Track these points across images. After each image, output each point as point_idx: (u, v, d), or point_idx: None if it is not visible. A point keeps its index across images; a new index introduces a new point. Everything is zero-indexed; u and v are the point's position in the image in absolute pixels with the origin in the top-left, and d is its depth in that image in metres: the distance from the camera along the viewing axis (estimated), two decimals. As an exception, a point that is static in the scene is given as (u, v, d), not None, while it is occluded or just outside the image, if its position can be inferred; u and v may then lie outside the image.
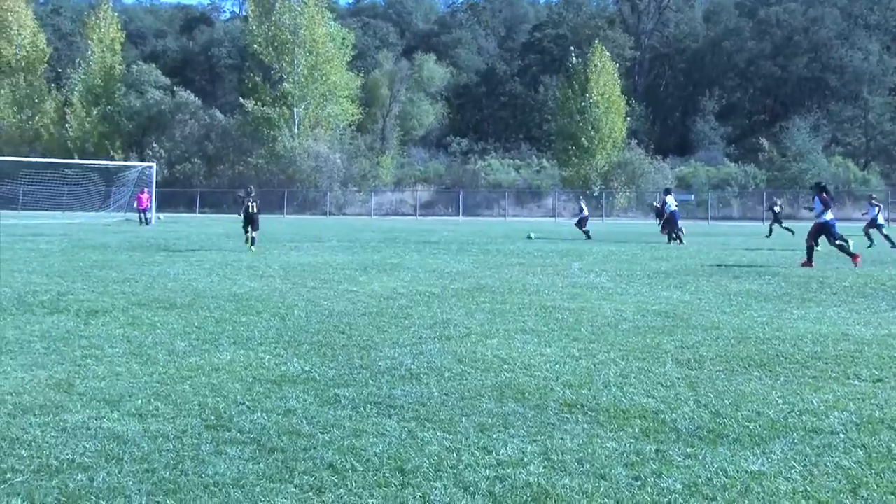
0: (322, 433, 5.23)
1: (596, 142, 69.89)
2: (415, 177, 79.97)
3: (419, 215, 67.36)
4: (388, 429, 5.35)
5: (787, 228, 30.99)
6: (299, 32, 71.26)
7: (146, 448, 4.90)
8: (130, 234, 30.43)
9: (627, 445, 5.05)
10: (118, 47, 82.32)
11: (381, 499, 4.18)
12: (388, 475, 4.49)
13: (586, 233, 30.82)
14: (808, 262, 17.90)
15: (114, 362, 7.26)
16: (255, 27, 73.38)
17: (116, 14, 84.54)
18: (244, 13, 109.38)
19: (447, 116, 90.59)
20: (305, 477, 4.44)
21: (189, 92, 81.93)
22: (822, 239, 18.66)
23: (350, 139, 75.77)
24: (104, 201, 50.93)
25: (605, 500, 4.21)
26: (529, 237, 30.64)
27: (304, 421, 5.51)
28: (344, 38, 74.62)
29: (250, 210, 21.77)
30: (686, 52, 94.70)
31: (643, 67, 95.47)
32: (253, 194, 22.49)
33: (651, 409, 5.88)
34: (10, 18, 78.60)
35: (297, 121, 72.64)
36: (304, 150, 70.34)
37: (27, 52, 79.66)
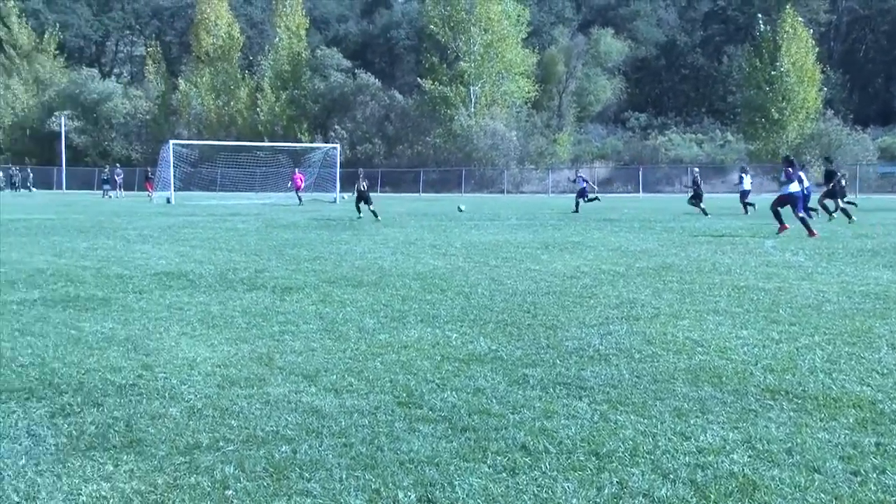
0: (512, 413, 5.20)
1: (787, 113, 66.49)
2: (592, 153, 78.85)
3: (599, 192, 66.28)
4: (580, 411, 5.26)
5: (849, 202, 28.00)
6: (474, 11, 71.55)
7: (343, 423, 5.03)
8: (317, 213, 31.59)
9: (842, 437, 4.73)
10: (303, 33, 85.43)
11: (576, 483, 4.09)
12: (582, 458, 4.40)
13: (746, 205, 29.56)
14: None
15: (309, 338, 7.51)
16: (431, 7, 74.31)
17: (301, 1, 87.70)
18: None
19: (625, 91, 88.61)
20: (498, 457, 4.42)
21: (369, 74, 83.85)
22: None
23: (526, 117, 75.59)
24: (292, 182, 53.10)
25: (821, 495, 3.95)
26: (460, 209, 29.93)
27: (494, 400, 5.50)
28: (519, 15, 74.28)
29: (361, 188, 25.35)
30: (890, 12, 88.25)
31: (840, 32, 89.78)
32: (362, 176, 26.03)
33: (867, 398, 5.50)
34: (209, 10, 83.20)
35: (473, 99, 73.13)
36: (481, 129, 70.75)
37: (223, 41, 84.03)
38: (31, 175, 68.46)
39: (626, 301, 9.49)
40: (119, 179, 55.65)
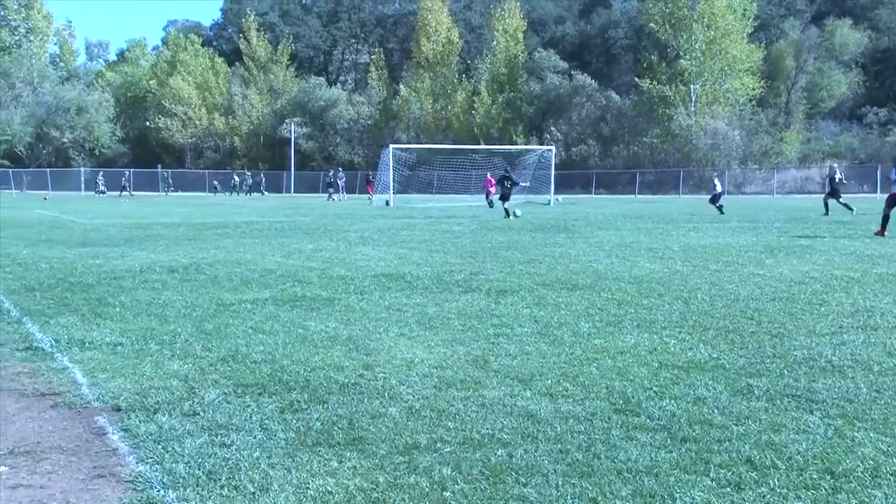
0: (736, 425, 4.98)
1: None
2: (823, 152, 74.50)
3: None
4: (811, 425, 4.95)
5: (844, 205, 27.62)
6: (697, 7, 69.58)
7: (559, 428, 4.99)
8: (531, 215, 31.72)
9: None
10: (521, 36, 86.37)
11: (809, 502, 3.86)
12: (815, 477, 4.14)
13: (719, 208, 29.95)
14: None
15: (524, 341, 7.53)
16: (651, 5, 72.95)
17: (519, 4, 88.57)
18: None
19: (862, 85, 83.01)
20: (722, 470, 4.24)
21: (586, 75, 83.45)
22: None
23: (750, 114, 72.51)
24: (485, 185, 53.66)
25: None
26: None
27: (716, 411, 5.29)
28: (745, 10, 71.51)
29: (507, 187, 28.78)
30: None
31: None
32: (508, 174, 29.80)
33: None
34: (430, 17, 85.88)
35: (693, 98, 71.10)
36: (701, 128, 68.72)
37: (443, 46, 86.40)
38: (264, 179, 73.10)
39: (862, 309, 8.88)
40: (341, 183, 58.38)
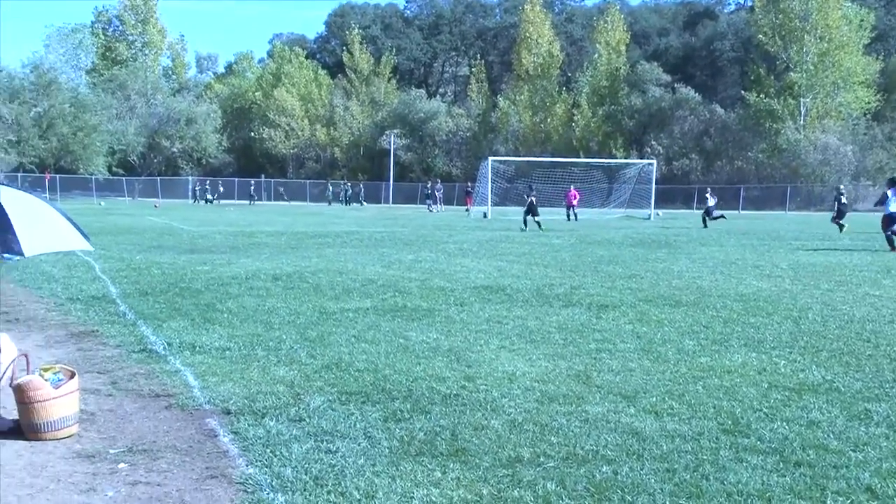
0: (853, 451, 4.81)
1: None
2: (943, 168, 71.47)
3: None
4: (935, 456, 4.76)
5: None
6: (810, 18, 67.67)
7: (665, 447, 4.92)
8: (631, 230, 31.34)
9: None
10: (623, 48, 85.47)
11: (933, 536, 3.71)
12: (940, 510, 3.98)
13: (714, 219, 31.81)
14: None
15: (626, 357, 7.45)
16: (761, 16, 71.32)
17: (623, 16, 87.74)
18: (750, 3, 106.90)
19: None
20: (840, 498, 4.10)
21: (689, 88, 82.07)
22: None
23: (864, 129, 70.06)
24: (606, 198, 53.15)
25: None
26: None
27: (832, 435, 5.12)
28: (862, 20, 69.17)
29: (532, 202, 30.17)
30: None
31: None
32: (533, 190, 31.74)
33: None
34: (531, 30, 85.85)
35: (803, 112, 69.15)
36: (811, 143, 66.73)
37: (544, 59, 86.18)
38: (363, 190, 74.15)
39: None
40: (439, 194, 58.78)
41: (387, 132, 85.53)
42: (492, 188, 43.17)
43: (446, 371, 6.88)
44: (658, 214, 43.17)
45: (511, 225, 34.28)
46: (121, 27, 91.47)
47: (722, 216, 35.90)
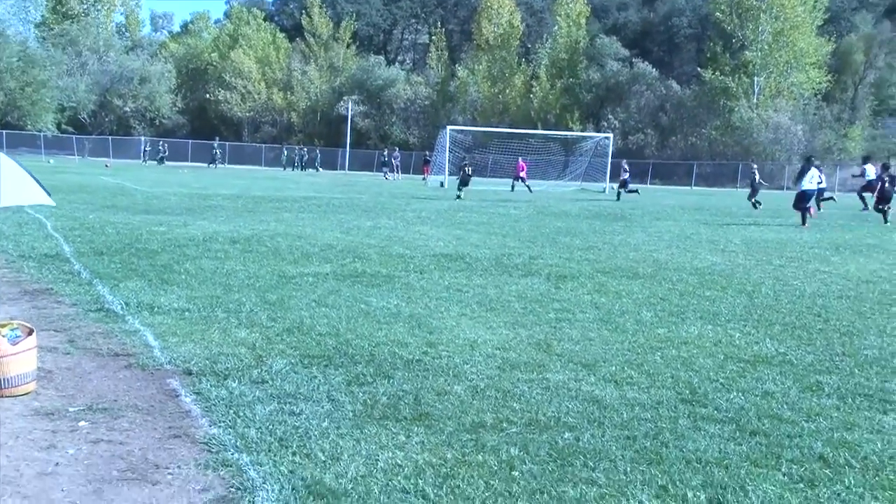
0: (806, 421, 4.94)
1: None
2: (888, 150, 72.77)
3: None
4: (885, 426, 4.90)
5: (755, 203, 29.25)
6: (767, -3, 68.27)
7: (625, 415, 5.00)
8: (588, 202, 31.54)
9: None
10: (583, 21, 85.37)
11: (886, 503, 3.82)
12: (892, 478, 4.09)
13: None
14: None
15: (585, 327, 7.53)
16: (719, -7, 71.75)
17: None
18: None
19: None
20: (794, 466, 4.21)
21: (647, 63, 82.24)
22: None
23: (814, 110, 71.11)
24: (563, 170, 53.24)
25: None
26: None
27: (785, 406, 5.25)
28: (816, 1, 69.88)
29: (467, 172, 31.90)
30: None
31: None
32: (467, 162, 33.29)
33: None
34: (492, 0, 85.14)
35: (756, 90, 69.88)
36: (763, 122, 67.46)
37: (504, 29, 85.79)
38: (319, 156, 73.51)
39: (932, 312, 8.71)
40: (396, 162, 58.52)
41: (344, 98, 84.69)
42: (449, 157, 43.01)
43: (408, 337, 6.91)
44: (612, 188, 43.38)
45: (469, 195, 34.20)
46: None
47: (636, 191, 36.61)
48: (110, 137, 78.80)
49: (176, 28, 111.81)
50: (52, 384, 5.47)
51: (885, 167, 25.44)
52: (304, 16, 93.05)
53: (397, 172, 58.07)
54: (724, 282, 10.49)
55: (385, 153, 61.39)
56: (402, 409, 5.05)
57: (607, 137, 49.75)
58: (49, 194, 5.62)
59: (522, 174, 39.27)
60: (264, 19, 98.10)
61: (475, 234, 16.04)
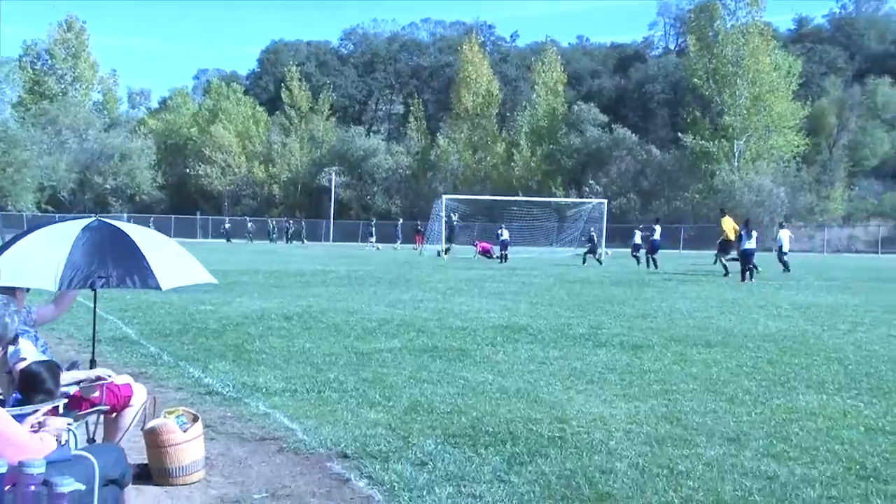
0: None
1: None
2: (867, 211, 74.15)
3: (882, 252, 62.05)
4: None
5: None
6: (742, 63, 69.93)
7: (811, 493, 4.92)
8: (596, 269, 31.65)
9: None
10: (560, 88, 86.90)
11: None
12: None
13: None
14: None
15: (698, 398, 7.47)
16: (695, 60, 73.47)
17: (558, 58, 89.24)
18: (679, 47, 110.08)
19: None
20: None
21: (625, 128, 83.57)
22: None
23: (795, 172, 72.44)
24: (556, 236, 53.60)
25: None
26: None
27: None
28: (790, 67, 71.75)
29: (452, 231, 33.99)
30: None
31: None
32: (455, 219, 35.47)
33: None
34: (470, 69, 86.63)
35: (737, 154, 71.12)
36: (745, 185, 68.47)
37: (483, 98, 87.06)
38: (305, 227, 73.47)
39: None
40: (399, 232, 58.70)
41: (326, 169, 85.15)
42: (445, 226, 43.18)
43: (534, 413, 6.84)
44: (608, 254, 43.72)
45: (473, 263, 34.29)
46: (50, 61, 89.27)
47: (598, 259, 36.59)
48: (93, 216, 78.36)
49: (154, 104, 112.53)
50: (217, 471, 5.39)
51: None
52: (283, 89, 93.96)
53: (397, 241, 57.89)
54: (804, 349, 10.50)
55: (373, 223, 61.47)
56: (579, 488, 4.99)
57: (602, 203, 50.30)
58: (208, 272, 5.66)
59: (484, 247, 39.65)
60: (243, 93, 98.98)
61: (520, 304, 15.99)
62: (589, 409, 6.98)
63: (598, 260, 36.26)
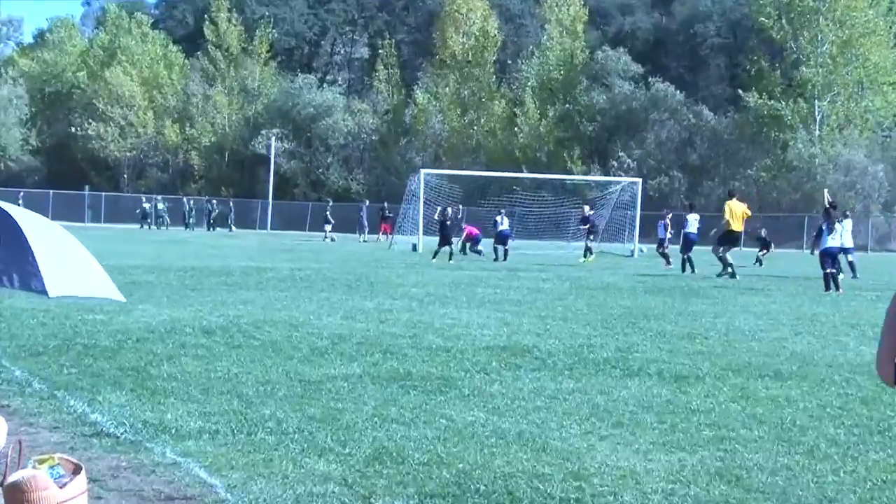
0: None
1: None
2: None
3: None
4: None
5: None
6: (827, -2, 70.13)
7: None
8: (625, 271, 31.82)
9: None
10: (580, 28, 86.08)
11: None
12: None
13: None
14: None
15: (766, 449, 7.48)
16: (762, -8, 73.53)
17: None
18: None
19: None
20: None
21: (667, 83, 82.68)
22: None
23: (898, 143, 72.86)
24: (572, 228, 53.64)
25: None
26: None
27: None
28: (892, 2, 71.99)
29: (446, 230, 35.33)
30: None
31: None
32: (449, 215, 37.26)
33: None
34: (460, 1, 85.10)
35: (818, 119, 71.38)
36: (830, 160, 68.65)
37: (476, 40, 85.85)
38: (233, 211, 73.25)
39: None
40: (364, 220, 58.74)
41: (263, 132, 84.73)
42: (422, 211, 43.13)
43: (540, 466, 6.86)
44: (642, 251, 43.98)
45: (461, 261, 34.39)
46: None
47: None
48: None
49: (27, 38, 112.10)
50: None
51: None
52: (206, 22, 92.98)
53: (362, 232, 58.00)
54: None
55: (327, 207, 61.47)
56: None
57: (636, 182, 50.46)
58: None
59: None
60: (151, 26, 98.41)
61: (523, 317, 16.11)
62: (616, 463, 6.99)
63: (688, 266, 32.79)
